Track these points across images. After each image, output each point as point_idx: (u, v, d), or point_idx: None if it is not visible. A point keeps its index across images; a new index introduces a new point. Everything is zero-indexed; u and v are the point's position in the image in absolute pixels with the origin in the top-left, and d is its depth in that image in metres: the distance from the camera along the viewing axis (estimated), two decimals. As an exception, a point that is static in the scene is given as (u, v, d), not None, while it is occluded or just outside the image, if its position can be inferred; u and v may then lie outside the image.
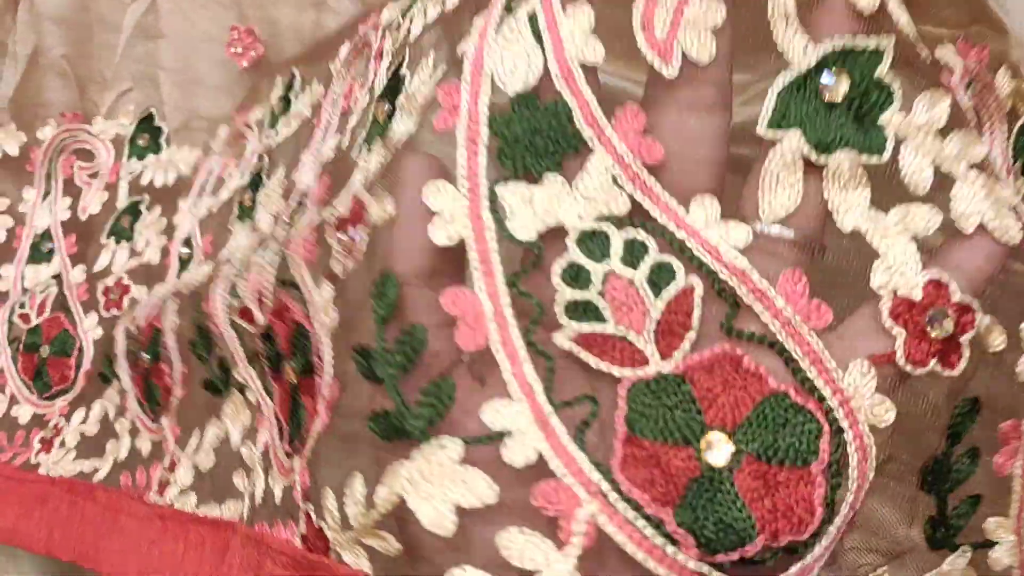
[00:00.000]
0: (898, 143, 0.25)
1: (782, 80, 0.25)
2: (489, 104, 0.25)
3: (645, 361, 0.24)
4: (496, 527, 0.23)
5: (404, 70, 0.29)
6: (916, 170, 0.25)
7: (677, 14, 0.25)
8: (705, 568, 0.23)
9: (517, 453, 0.23)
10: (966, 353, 0.25)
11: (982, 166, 0.25)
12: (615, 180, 0.25)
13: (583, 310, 0.24)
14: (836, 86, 0.25)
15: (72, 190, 0.52)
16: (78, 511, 0.43)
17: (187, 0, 0.48)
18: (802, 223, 0.25)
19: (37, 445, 0.47)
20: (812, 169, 0.25)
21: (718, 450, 0.23)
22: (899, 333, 0.24)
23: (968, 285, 0.25)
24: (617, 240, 0.24)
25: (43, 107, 0.51)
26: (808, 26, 0.25)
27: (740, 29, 0.25)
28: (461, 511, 0.23)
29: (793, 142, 0.25)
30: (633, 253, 0.24)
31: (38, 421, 0.48)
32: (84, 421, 0.46)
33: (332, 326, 0.27)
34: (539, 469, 0.23)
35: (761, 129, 0.25)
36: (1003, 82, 0.27)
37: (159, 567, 0.36)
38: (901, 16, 0.25)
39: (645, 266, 0.24)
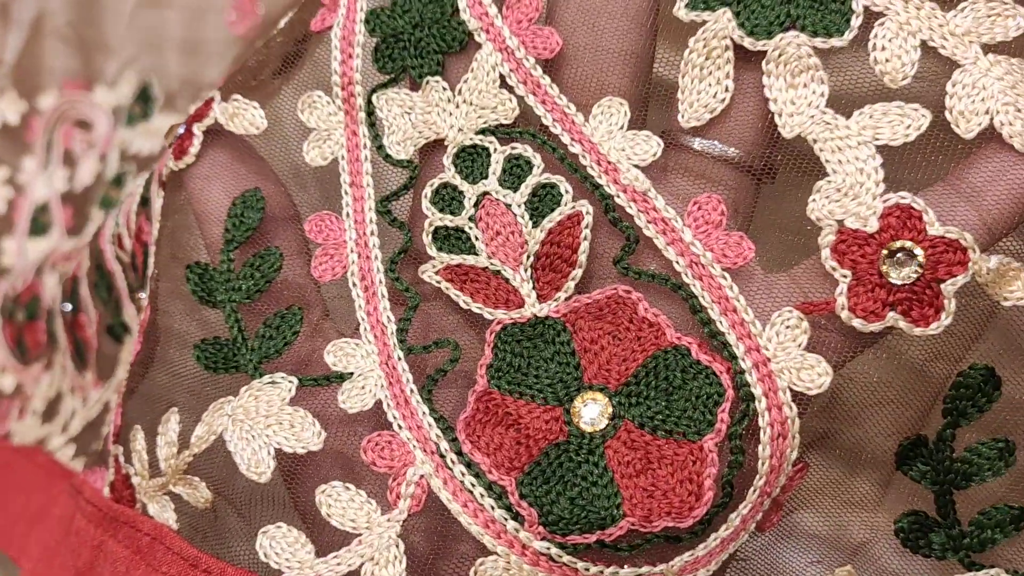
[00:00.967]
0: (870, 19, 0.19)
1: None
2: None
3: (521, 302, 0.20)
4: (318, 480, 0.19)
5: None
6: (896, 54, 0.19)
7: None
8: (554, 550, 0.18)
9: (353, 398, 0.20)
10: (949, 306, 0.19)
11: (1007, 47, 0.19)
12: (503, 80, 0.21)
13: (453, 239, 0.20)
14: None
15: (70, 160, 0.50)
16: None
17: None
18: (735, 133, 0.20)
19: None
20: (747, 59, 0.20)
21: (591, 413, 0.19)
22: (844, 276, 0.19)
23: (982, 223, 0.19)
24: (498, 156, 0.20)
25: (46, 74, 0.50)
26: None
27: None
28: (283, 456, 0.20)
29: (720, 24, 0.20)
30: (514, 172, 0.20)
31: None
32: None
33: (155, 235, 0.24)
34: (376, 419, 0.19)
35: (679, 10, 0.20)
36: None
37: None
38: None
39: (526, 187, 0.20)
